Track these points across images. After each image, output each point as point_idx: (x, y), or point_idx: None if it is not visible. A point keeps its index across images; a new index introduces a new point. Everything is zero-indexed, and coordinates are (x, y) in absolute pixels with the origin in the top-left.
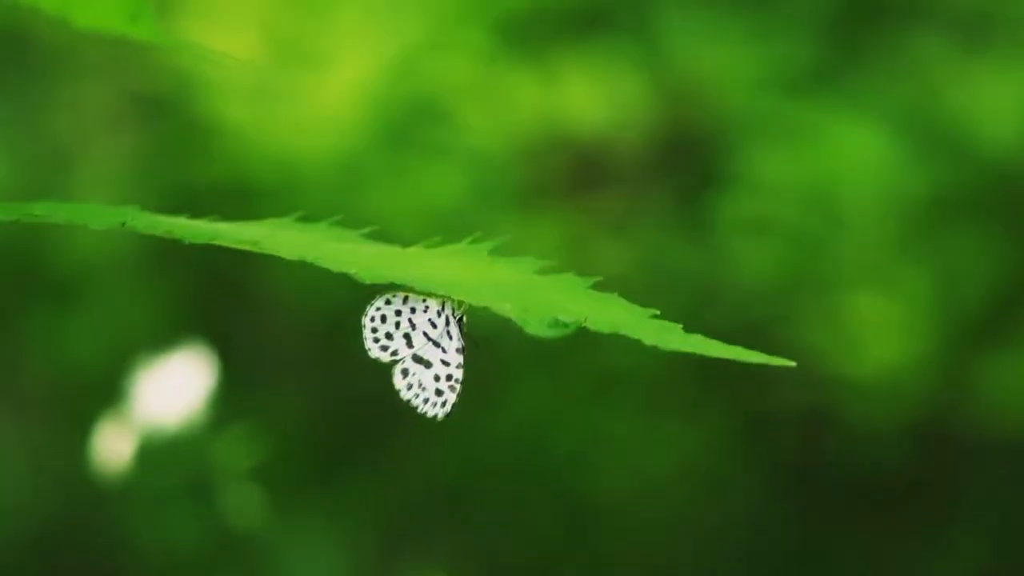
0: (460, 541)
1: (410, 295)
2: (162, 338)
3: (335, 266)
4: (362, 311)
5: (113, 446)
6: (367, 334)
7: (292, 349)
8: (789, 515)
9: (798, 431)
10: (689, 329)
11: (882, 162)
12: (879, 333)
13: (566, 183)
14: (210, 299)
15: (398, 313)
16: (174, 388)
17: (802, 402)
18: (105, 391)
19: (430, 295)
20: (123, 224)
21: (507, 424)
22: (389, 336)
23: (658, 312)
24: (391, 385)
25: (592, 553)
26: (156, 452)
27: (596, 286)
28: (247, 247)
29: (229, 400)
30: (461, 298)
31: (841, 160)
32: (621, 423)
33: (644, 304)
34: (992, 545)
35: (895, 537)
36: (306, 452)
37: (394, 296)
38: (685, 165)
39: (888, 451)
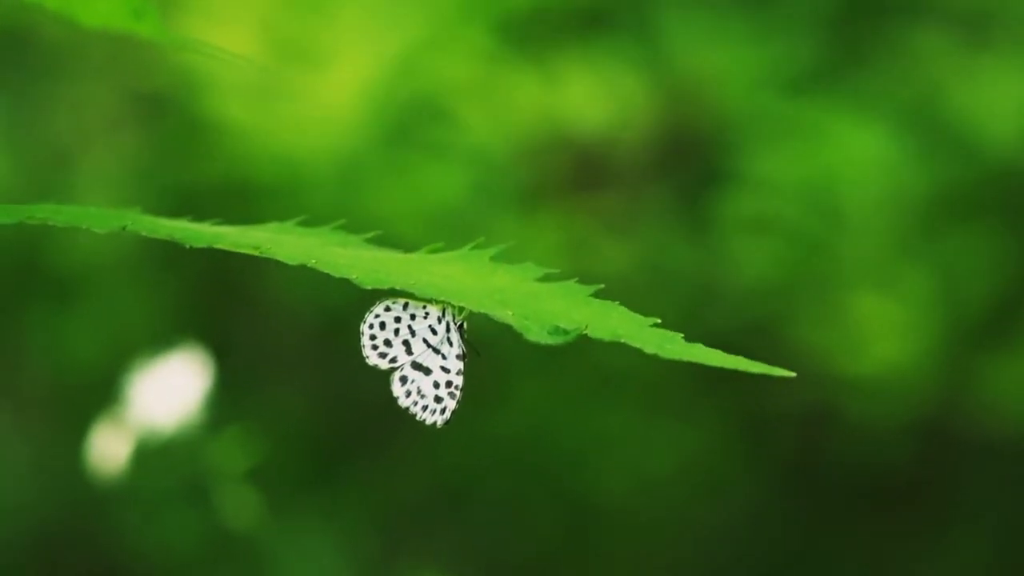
0: (460, 541)
1: (410, 301)
2: (161, 338)
3: (336, 271)
4: (362, 313)
5: (112, 446)
6: (365, 341)
7: (292, 349)
8: (789, 515)
9: (798, 430)
10: (690, 329)
11: (883, 161)
12: (880, 332)
13: (567, 183)
14: (210, 299)
15: (397, 320)
16: (173, 388)
17: (803, 401)
18: (104, 391)
19: (430, 301)
20: (124, 228)
21: (507, 424)
22: (388, 343)
23: (659, 320)
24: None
25: (592, 553)
26: (155, 452)
27: (597, 293)
28: (248, 251)
29: (228, 400)
30: (462, 304)
31: (842, 159)
32: (621, 423)
33: (645, 303)
34: (992, 545)
35: (895, 537)
36: (306, 452)
37: (394, 302)
38: (685, 165)
39: (889, 450)
